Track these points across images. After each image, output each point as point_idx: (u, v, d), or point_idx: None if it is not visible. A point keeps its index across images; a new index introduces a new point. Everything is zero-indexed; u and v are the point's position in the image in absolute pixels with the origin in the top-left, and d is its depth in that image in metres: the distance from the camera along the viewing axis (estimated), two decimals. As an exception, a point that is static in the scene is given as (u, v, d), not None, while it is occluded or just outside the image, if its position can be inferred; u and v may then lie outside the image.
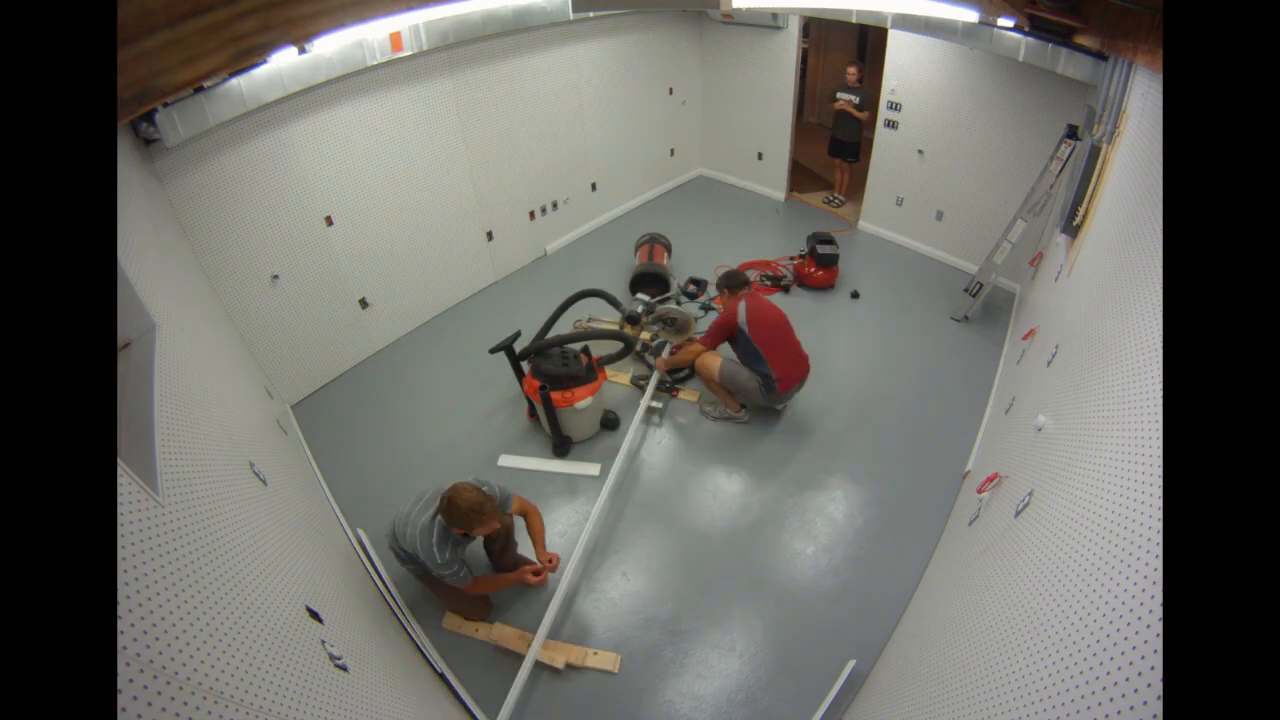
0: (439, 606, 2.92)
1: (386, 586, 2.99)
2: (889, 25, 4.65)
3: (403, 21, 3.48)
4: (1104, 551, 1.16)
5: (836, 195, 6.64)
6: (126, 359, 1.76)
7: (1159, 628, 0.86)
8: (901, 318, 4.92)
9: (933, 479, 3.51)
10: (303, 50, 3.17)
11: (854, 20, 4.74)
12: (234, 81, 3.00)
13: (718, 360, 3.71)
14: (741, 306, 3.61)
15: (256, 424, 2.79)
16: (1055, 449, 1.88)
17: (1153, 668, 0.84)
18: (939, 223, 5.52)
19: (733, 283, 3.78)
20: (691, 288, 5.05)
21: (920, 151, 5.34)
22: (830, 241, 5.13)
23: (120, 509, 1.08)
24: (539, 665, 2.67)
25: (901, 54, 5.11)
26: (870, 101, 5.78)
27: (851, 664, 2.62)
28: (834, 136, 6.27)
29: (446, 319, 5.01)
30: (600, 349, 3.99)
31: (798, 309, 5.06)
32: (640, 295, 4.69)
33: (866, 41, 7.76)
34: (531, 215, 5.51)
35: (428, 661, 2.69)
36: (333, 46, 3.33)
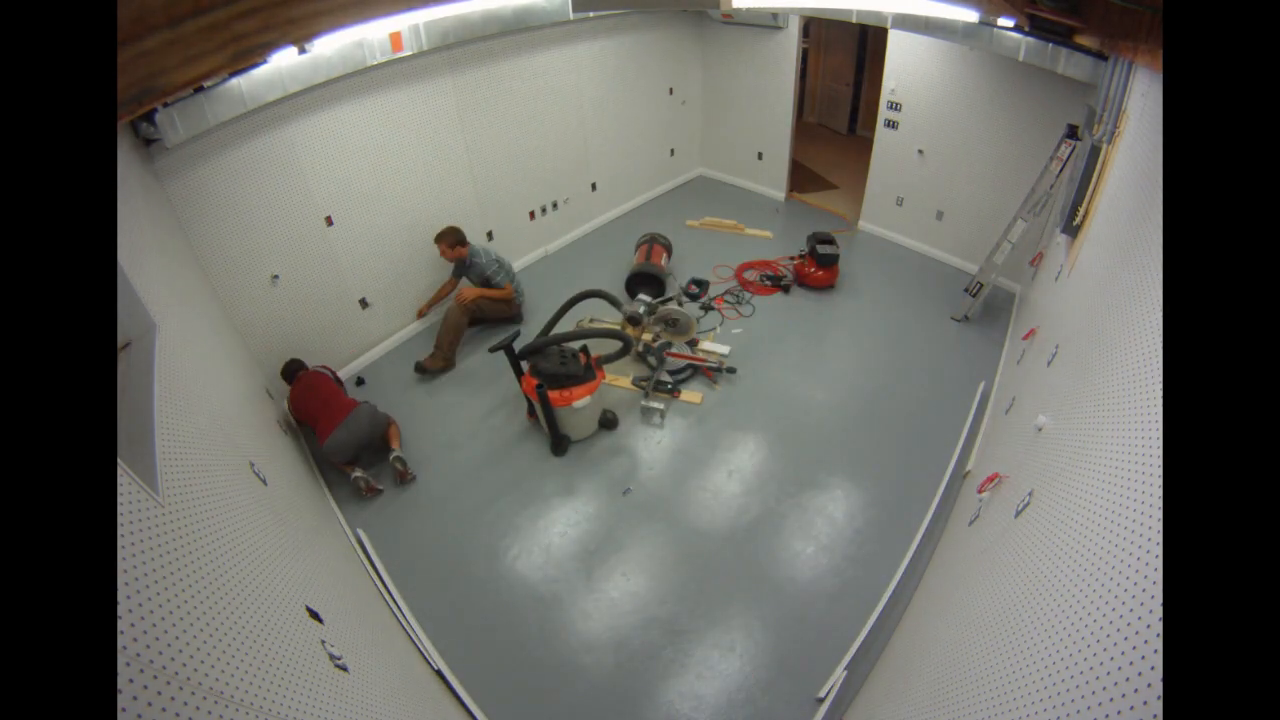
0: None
1: (386, 586, 2.99)
2: (889, 25, 4.65)
3: (403, 21, 3.48)
4: (1104, 552, 1.16)
5: None
6: (126, 359, 1.76)
7: (1159, 628, 0.86)
8: (901, 318, 4.92)
9: (932, 479, 3.51)
10: (303, 50, 3.17)
11: (854, 20, 4.74)
12: (234, 81, 3.00)
13: None
14: None
15: (256, 424, 2.79)
16: (1055, 449, 1.88)
17: (1153, 668, 0.84)
18: (939, 223, 5.52)
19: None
20: (693, 289, 5.05)
21: (920, 151, 5.34)
22: (830, 241, 5.13)
23: (120, 509, 1.08)
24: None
25: (901, 54, 5.11)
26: None
27: (843, 675, 2.61)
28: None
29: (446, 319, 5.00)
30: (599, 349, 3.99)
31: (798, 309, 5.06)
32: (642, 296, 4.69)
33: (866, 41, 7.77)
34: (531, 215, 5.51)
35: (427, 661, 2.69)
36: (333, 46, 3.33)
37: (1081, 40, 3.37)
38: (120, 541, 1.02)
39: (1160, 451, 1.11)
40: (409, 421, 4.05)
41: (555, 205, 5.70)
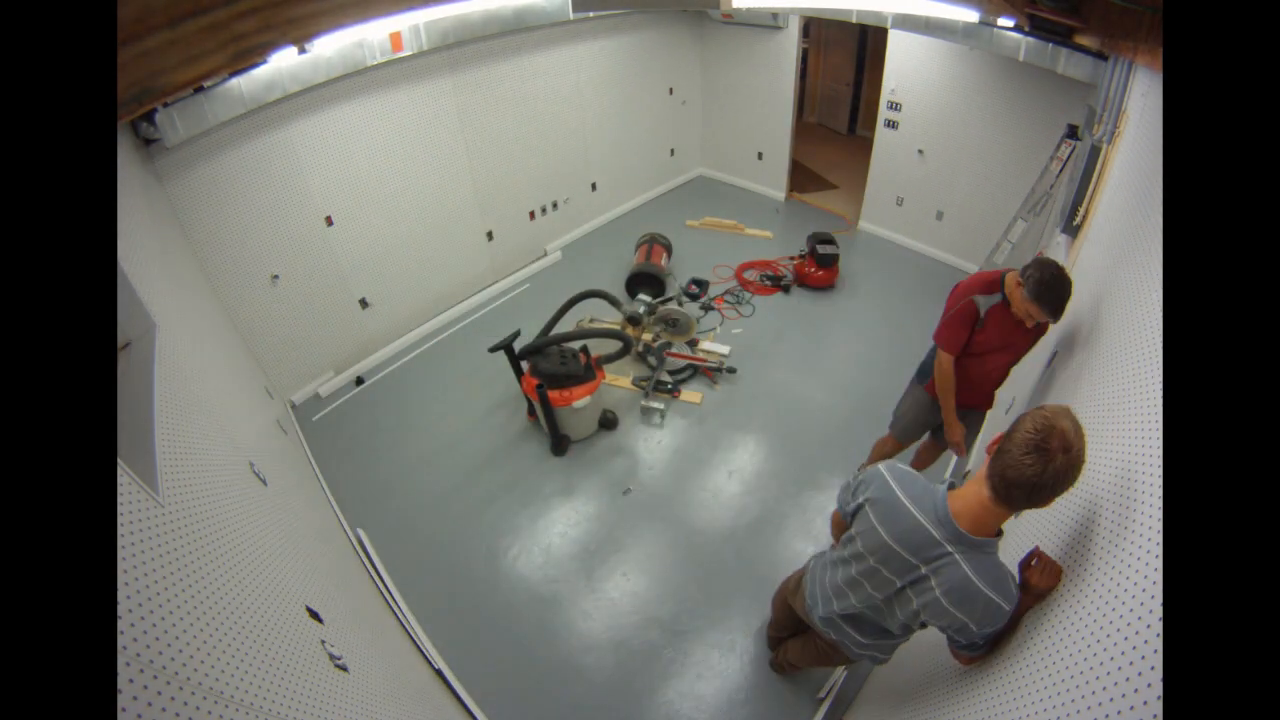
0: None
1: (386, 587, 2.99)
2: (889, 25, 4.65)
3: (403, 21, 3.48)
4: (1104, 551, 1.16)
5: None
6: (126, 359, 1.76)
7: (1159, 628, 0.86)
8: (901, 318, 4.92)
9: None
10: (303, 50, 3.17)
11: (854, 20, 4.74)
12: (234, 81, 3.00)
13: None
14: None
15: (256, 424, 2.79)
16: (1055, 449, 1.88)
17: (1153, 668, 0.84)
18: (939, 223, 5.52)
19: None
20: (693, 289, 5.05)
21: (920, 151, 5.34)
22: (830, 241, 5.13)
23: (120, 509, 1.07)
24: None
25: (901, 54, 5.11)
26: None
27: (843, 675, 2.61)
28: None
29: (446, 319, 5.01)
30: (599, 349, 3.99)
31: (798, 309, 5.07)
32: (642, 296, 4.70)
33: (866, 41, 7.77)
34: (531, 215, 5.51)
35: (427, 661, 2.69)
36: (333, 46, 3.33)
37: (1081, 40, 3.37)
38: (120, 541, 1.02)
39: (1160, 452, 1.11)
40: (409, 421, 4.05)
41: (555, 205, 5.70)
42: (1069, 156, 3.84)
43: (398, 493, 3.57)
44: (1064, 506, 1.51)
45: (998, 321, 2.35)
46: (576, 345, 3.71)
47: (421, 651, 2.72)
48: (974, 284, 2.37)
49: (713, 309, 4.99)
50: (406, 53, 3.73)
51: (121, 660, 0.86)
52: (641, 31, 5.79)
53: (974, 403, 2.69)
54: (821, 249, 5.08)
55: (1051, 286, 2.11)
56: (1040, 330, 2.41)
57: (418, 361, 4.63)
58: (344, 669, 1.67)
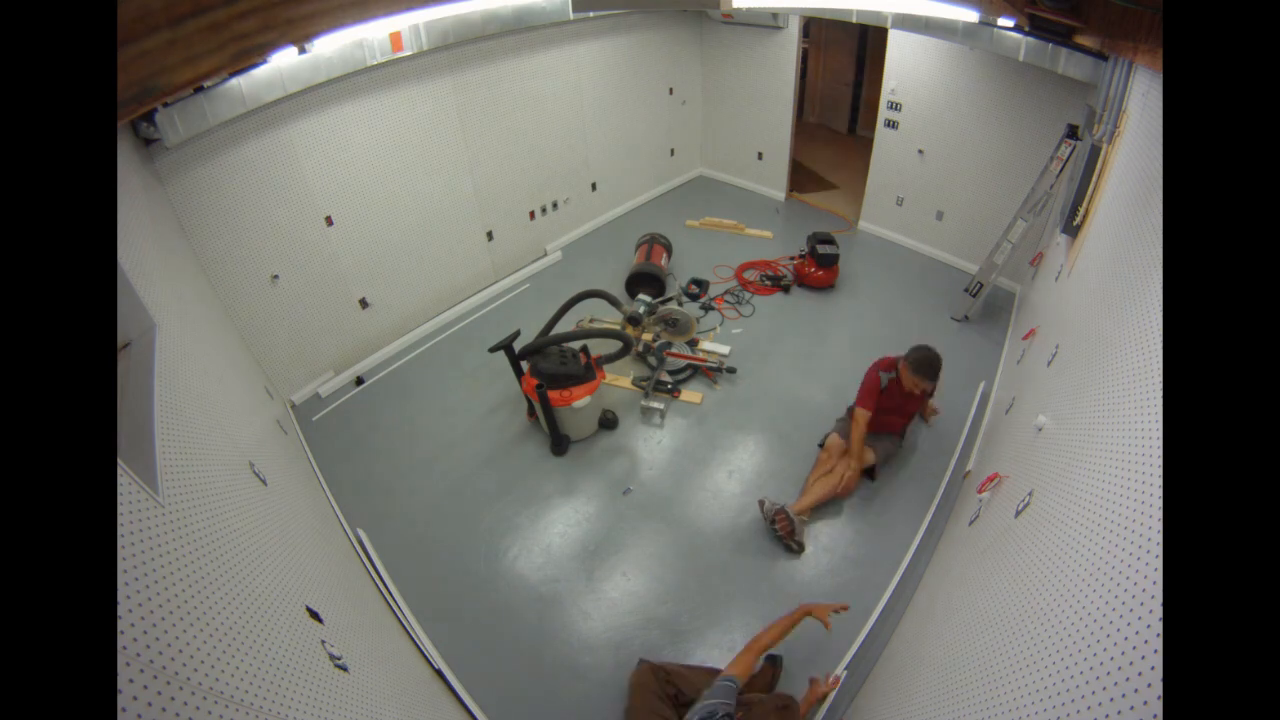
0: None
1: (386, 586, 2.99)
2: (889, 25, 4.65)
3: (403, 21, 3.48)
4: (1104, 551, 1.16)
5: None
6: (126, 359, 1.76)
7: (1159, 628, 0.86)
8: (901, 318, 4.91)
9: (932, 479, 3.51)
10: (303, 50, 3.17)
11: (854, 20, 4.74)
12: (234, 81, 3.00)
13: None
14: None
15: (256, 424, 2.79)
16: (1055, 449, 1.88)
17: (1153, 668, 0.84)
18: (939, 223, 5.52)
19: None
20: (693, 289, 5.05)
21: (920, 151, 5.34)
22: (830, 241, 5.13)
23: (120, 509, 1.08)
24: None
25: (901, 54, 5.11)
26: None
27: (843, 675, 2.61)
28: None
29: (447, 319, 5.01)
30: (599, 348, 3.99)
31: (798, 309, 5.07)
32: (642, 296, 4.69)
33: (866, 41, 7.77)
34: (531, 215, 5.51)
35: (427, 661, 2.69)
36: (333, 46, 3.33)
37: (1081, 40, 3.37)
38: (120, 541, 1.02)
39: (1160, 452, 1.12)
40: (409, 421, 4.05)
41: (555, 205, 5.70)
42: (1069, 156, 3.84)
43: (398, 493, 3.57)
44: (1064, 506, 1.51)
45: (893, 391, 3.34)
46: (576, 345, 3.71)
47: (421, 651, 2.72)
48: (880, 364, 3.38)
49: (713, 309, 4.99)
50: (406, 53, 3.73)
51: (121, 660, 0.86)
52: (641, 31, 5.80)
53: (881, 432, 3.54)
54: (821, 249, 5.08)
55: (922, 363, 3.18)
56: (924, 396, 3.37)
57: (418, 361, 4.63)
58: (344, 669, 1.67)
